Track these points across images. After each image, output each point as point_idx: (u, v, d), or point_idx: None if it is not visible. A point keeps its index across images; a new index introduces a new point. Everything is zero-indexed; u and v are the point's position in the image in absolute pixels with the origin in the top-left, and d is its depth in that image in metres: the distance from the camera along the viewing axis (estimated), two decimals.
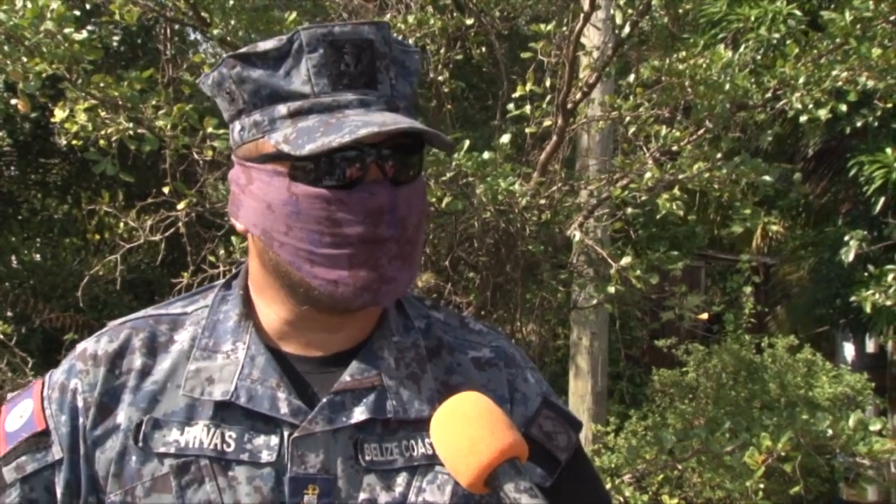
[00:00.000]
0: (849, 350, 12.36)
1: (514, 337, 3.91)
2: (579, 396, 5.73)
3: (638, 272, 3.25)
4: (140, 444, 1.07)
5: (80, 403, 1.10)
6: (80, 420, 1.10)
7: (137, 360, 1.13)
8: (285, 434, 1.07)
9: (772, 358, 7.28)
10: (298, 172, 1.04)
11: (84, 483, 1.09)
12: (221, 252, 3.48)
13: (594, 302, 4.11)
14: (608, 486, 3.53)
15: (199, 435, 1.07)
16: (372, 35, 1.05)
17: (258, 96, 1.06)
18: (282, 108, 1.05)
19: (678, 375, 7.13)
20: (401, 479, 1.09)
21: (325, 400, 1.09)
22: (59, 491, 1.08)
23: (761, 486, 3.20)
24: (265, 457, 1.06)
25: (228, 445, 1.07)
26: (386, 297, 1.07)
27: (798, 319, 9.38)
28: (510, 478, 0.92)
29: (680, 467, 3.54)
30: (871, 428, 3.15)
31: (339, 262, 1.04)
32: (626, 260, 3.27)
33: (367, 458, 1.08)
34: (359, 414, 1.09)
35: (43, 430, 1.10)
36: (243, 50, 1.06)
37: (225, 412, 1.08)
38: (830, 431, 3.11)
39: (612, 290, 3.34)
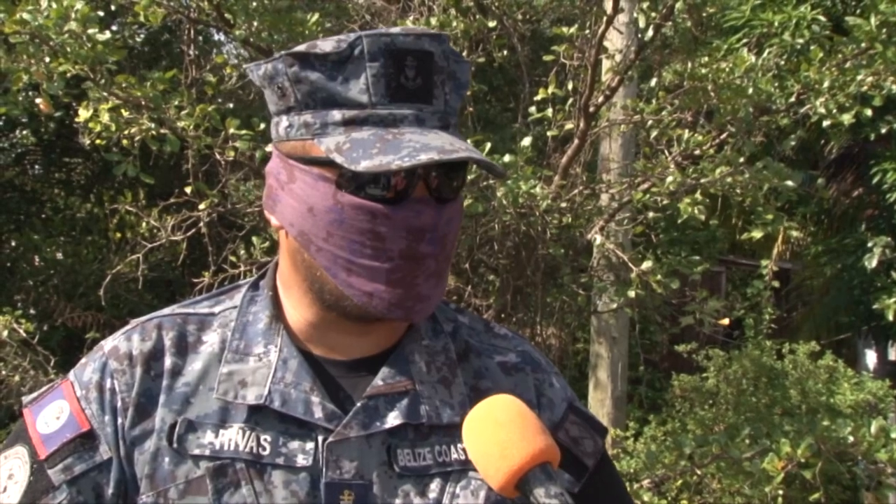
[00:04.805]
0: (871, 357, 12.25)
1: (533, 340, 3.90)
2: (598, 401, 5.70)
3: (658, 277, 3.24)
4: (174, 445, 1.05)
5: (118, 403, 1.08)
6: (119, 420, 1.08)
7: (168, 360, 1.11)
8: (320, 439, 1.06)
9: (793, 364, 7.22)
10: (345, 181, 1.02)
11: (131, 483, 1.07)
12: (242, 252, 3.49)
13: (614, 306, 4.10)
14: (627, 490, 3.51)
15: (234, 438, 1.06)
16: (433, 48, 1.03)
17: (313, 98, 1.03)
18: (336, 114, 1.02)
19: (698, 381, 7.07)
20: (434, 485, 1.08)
21: (359, 404, 1.08)
22: (109, 492, 1.06)
23: (780, 492, 3.18)
24: (301, 461, 1.05)
25: (264, 449, 1.05)
26: (418, 315, 1.07)
27: (820, 326, 9.31)
28: (541, 483, 0.91)
29: (699, 473, 3.51)
30: (893, 435, 3.12)
31: (378, 275, 1.03)
32: (646, 264, 3.26)
33: (401, 463, 1.07)
34: (393, 419, 1.08)
35: (88, 431, 1.07)
36: (302, 48, 1.04)
37: (259, 416, 1.07)
38: (851, 438, 3.09)
39: (632, 294, 3.33)
